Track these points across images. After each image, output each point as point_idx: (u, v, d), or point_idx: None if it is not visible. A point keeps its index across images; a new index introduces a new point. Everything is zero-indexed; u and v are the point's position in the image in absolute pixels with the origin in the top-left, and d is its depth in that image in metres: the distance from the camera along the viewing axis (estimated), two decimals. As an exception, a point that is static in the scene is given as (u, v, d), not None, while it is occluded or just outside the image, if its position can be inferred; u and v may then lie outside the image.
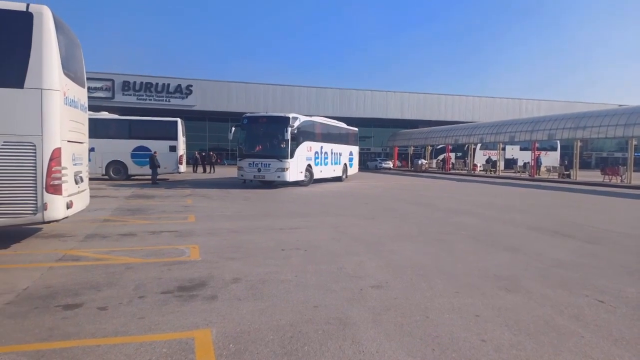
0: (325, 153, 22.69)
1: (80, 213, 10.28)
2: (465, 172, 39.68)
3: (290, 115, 18.61)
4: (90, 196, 13.99)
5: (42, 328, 3.69)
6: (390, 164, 47.27)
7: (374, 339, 3.58)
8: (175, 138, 22.30)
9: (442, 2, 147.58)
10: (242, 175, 18.95)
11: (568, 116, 29.81)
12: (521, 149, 44.26)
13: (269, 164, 18.27)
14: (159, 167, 20.17)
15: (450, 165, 43.05)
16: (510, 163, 41.80)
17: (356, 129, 28.96)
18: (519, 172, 36.12)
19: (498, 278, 5.43)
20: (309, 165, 20.50)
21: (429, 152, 47.51)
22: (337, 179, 24.83)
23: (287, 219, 10.10)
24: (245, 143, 19.21)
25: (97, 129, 21.48)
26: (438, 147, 47.15)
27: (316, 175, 21.35)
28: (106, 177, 21.83)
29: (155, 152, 20.12)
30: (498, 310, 4.29)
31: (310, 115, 22.59)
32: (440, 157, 47.06)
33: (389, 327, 3.83)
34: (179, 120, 22.66)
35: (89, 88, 37.34)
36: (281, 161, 18.22)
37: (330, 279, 5.31)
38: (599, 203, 15.57)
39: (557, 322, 4.02)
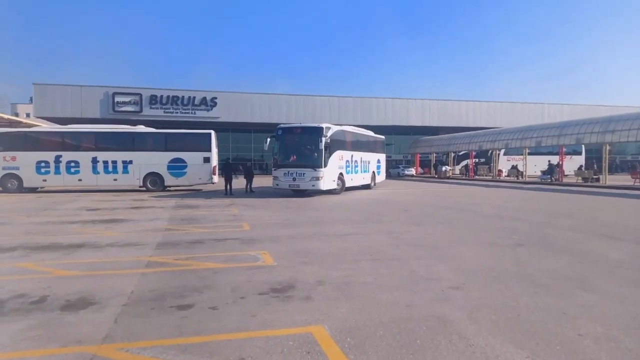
0: (356, 161, 23.02)
1: (139, 222, 10.81)
2: (490, 177, 39.56)
3: (324, 125, 19.01)
4: (139, 207, 14.57)
5: (169, 326, 4.06)
6: (412, 171, 47.36)
7: (478, 334, 3.86)
8: (209, 149, 22.87)
9: (456, 6, 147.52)
10: (277, 185, 19.38)
11: (595, 120, 29.62)
12: (539, 154, 42.69)
13: (304, 173, 18.67)
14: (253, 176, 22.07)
15: (474, 172, 42.92)
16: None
17: (383, 137, 29.24)
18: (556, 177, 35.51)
19: (569, 278, 5.65)
20: (341, 174, 20.84)
21: (452, 158, 47.43)
22: (366, 187, 25.09)
23: (338, 226, 10.42)
24: (280, 153, 19.65)
25: (135, 142, 22.34)
26: (460, 153, 47.07)
27: (347, 184, 21.67)
28: (143, 188, 22.48)
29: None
30: (582, 308, 4.53)
31: (340, 124, 22.95)
32: (463, 163, 46.97)
33: (486, 324, 4.10)
34: (212, 132, 23.25)
35: (117, 102, 38.41)
36: (315, 170, 18.60)
37: (407, 281, 5.59)
38: (636, 206, 15.54)
39: (644, 318, 4.25)
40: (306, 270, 6.10)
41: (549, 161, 36.01)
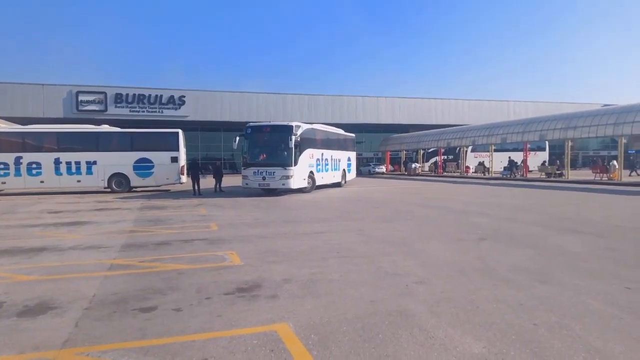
0: (326, 160, 23.11)
1: (103, 225, 10.58)
2: (458, 174, 40.41)
3: (294, 124, 19.00)
4: (103, 209, 14.23)
5: (132, 328, 4.00)
6: (383, 169, 47.93)
7: (437, 326, 3.96)
8: (177, 149, 22.50)
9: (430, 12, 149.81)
10: (246, 184, 19.25)
11: (558, 117, 30.66)
12: (505, 151, 43.67)
13: (274, 172, 18.61)
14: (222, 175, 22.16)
15: (442, 169, 43.75)
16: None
17: (353, 135, 29.46)
18: (515, 172, 36.65)
19: (528, 271, 5.86)
20: (311, 172, 20.88)
21: (421, 155, 48.21)
22: (337, 185, 25.22)
23: (308, 225, 10.46)
24: (249, 152, 19.53)
25: (99, 142, 21.79)
26: (429, 150, 47.89)
27: (318, 182, 21.73)
28: (108, 189, 21.94)
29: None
30: (539, 299, 4.70)
31: (311, 123, 22.98)
32: (432, 160, 47.82)
33: (446, 316, 4.21)
34: (179, 131, 22.88)
35: (81, 101, 37.44)
36: (285, 169, 18.58)
37: (373, 277, 5.68)
38: (596, 200, 16.20)
39: (595, 306, 4.45)
40: (274, 269, 6.10)
41: (510, 157, 37.07)
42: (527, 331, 3.83)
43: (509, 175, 34.55)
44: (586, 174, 35.28)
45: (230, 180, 27.53)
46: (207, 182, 23.34)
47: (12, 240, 8.71)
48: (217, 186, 21.79)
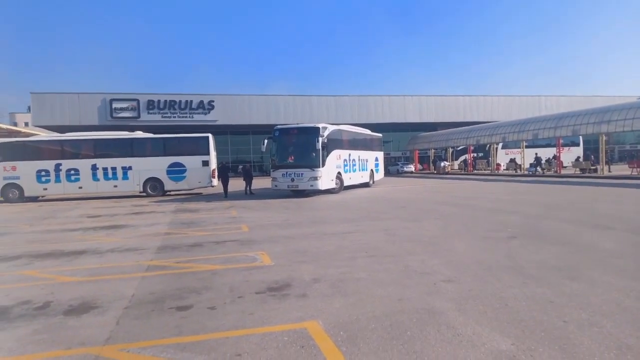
0: (353, 160, 23.16)
1: (139, 228, 10.97)
2: (489, 172, 39.69)
3: (320, 125, 19.15)
4: (139, 213, 14.73)
5: (169, 326, 4.21)
6: (412, 168, 47.53)
7: (465, 324, 4.01)
8: (208, 153, 23.02)
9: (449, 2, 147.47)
10: (276, 186, 19.53)
11: (591, 111, 29.75)
12: (538, 147, 42.65)
13: (302, 174, 18.82)
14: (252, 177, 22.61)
15: (472, 166, 43.07)
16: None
17: (380, 134, 29.38)
18: (543, 169, 36.02)
19: (558, 269, 5.80)
20: (339, 173, 20.97)
21: (450, 154, 47.59)
22: (365, 185, 25.24)
23: (336, 225, 10.57)
24: (278, 154, 19.81)
25: (133, 148, 22.51)
26: (458, 148, 47.23)
27: (346, 182, 21.80)
28: (143, 193, 22.64)
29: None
30: (569, 297, 4.67)
31: (337, 124, 23.09)
32: (462, 158, 47.13)
33: (474, 314, 4.25)
34: (210, 135, 23.40)
35: (115, 109, 38.68)
36: (313, 170, 18.75)
37: (401, 276, 5.74)
38: (632, 195, 15.68)
39: (628, 304, 4.39)
40: (303, 269, 6.24)
41: (536, 154, 36.21)
42: (557, 328, 3.84)
43: (534, 172, 33.85)
44: (622, 168, 34.11)
45: (260, 183, 27.96)
46: (237, 184, 23.77)
47: (54, 244, 9.16)
48: (248, 188, 22.18)
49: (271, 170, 20.25)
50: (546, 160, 37.60)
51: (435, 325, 3.99)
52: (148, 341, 3.86)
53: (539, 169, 34.33)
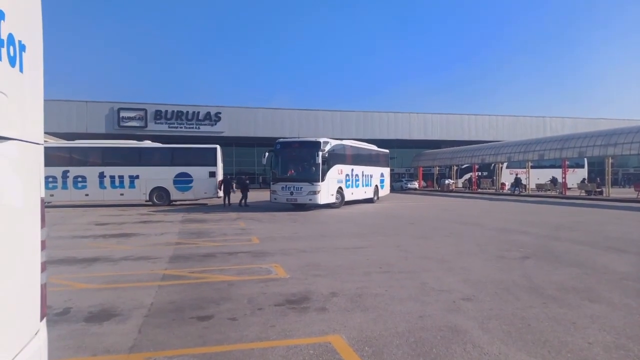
0: (356, 175, 23.15)
1: (150, 237, 10.98)
2: (494, 191, 39.68)
3: (322, 140, 19.21)
4: (147, 222, 14.73)
5: (192, 336, 4.21)
6: (415, 185, 47.54)
7: (491, 343, 4.00)
8: (215, 164, 23.12)
9: (457, 24, 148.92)
10: (275, 199, 19.54)
11: (597, 133, 29.84)
12: (542, 167, 42.85)
13: (301, 187, 18.84)
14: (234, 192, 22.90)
15: (477, 185, 43.06)
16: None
17: (387, 150, 29.44)
18: (548, 189, 36.03)
19: (576, 290, 5.79)
20: (340, 188, 20.92)
21: (454, 172, 47.64)
22: (369, 201, 25.17)
23: (346, 239, 10.56)
24: (278, 167, 19.88)
25: (141, 157, 22.61)
26: (463, 166, 47.26)
27: (347, 197, 21.71)
28: (149, 202, 22.68)
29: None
30: (590, 318, 4.66)
31: (341, 139, 23.14)
32: (466, 176, 47.14)
33: (498, 333, 4.24)
34: (217, 147, 23.53)
35: (122, 118, 38.78)
36: (312, 184, 18.76)
37: (418, 292, 5.73)
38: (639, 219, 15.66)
39: (651, 327, 4.38)
40: (319, 283, 6.24)
41: (516, 174, 37.19)
42: (582, 349, 3.83)
43: (513, 191, 35.31)
44: (627, 191, 34.08)
45: (260, 196, 27.94)
46: (235, 196, 23.97)
47: (66, 250, 9.16)
48: (243, 201, 22.15)
49: (271, 183, 20.28)
50: (550, 181, 37.70)
51: (460, 344, 3.98)
52: (174, 350, 3.86)
53: (517, 189, 35.35)
